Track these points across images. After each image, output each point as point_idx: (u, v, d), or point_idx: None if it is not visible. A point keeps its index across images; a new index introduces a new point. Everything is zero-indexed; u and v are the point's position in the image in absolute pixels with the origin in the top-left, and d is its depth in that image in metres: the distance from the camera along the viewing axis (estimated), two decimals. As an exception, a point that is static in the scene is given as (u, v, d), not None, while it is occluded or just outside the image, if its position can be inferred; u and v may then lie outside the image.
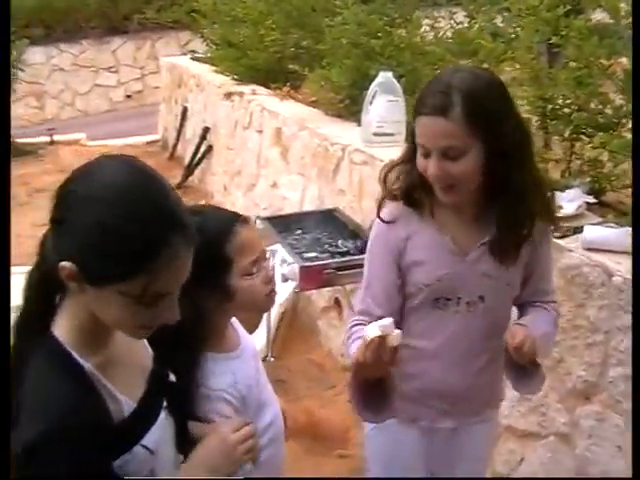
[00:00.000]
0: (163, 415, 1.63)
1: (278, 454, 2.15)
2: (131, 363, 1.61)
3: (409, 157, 2.26)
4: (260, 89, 7.39)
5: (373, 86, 4.96)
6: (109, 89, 15.03)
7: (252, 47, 7.52)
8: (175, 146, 9.84)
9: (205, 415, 1.94)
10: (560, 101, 4.09)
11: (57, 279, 1.47)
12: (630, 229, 2.82)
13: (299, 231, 4.49)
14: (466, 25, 5.68)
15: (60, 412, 1.40)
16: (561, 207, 3.31)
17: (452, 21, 5.89)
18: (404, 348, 2.34)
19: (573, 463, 3.26)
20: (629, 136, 3.29)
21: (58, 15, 14.24)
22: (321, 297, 5.30)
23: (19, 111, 13.60)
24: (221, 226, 2.01)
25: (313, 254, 4.19)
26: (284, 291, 4.47)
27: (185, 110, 9.53)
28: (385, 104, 4.88)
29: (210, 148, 8.56)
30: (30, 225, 7.48)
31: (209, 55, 9.37)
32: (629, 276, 2.83)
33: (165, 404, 1.66)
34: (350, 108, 5.82)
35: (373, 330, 1.97)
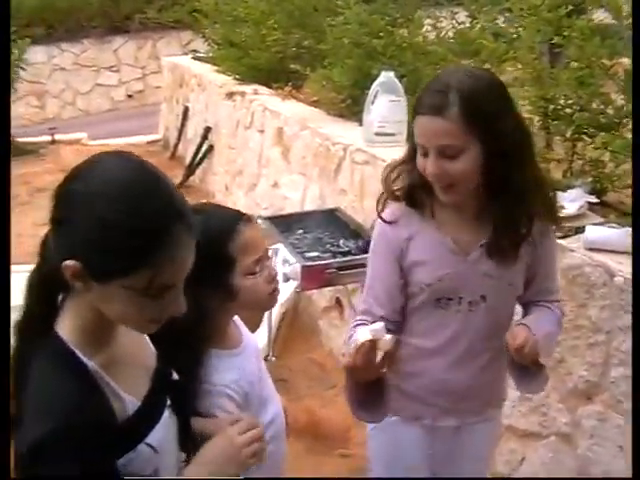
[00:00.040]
0: (167, 413, 1.63)
1: (279, 451, 2.16)
2: (134, 362, 1.61)
3: (410, 157, 2.27)
4: (262, 89, 7.40)
5: (375, 86, 4.96)
6: (110, 88, 15.02)
7: (254, 47, 7.52)
8: (176, 146, 9.84)
9: (208, 410, 1.95)
10: (562, 101, 4.09)
11: (59, 279, 1.47)
12: (631, 229, 2.82)
13: (300, 231, 4.49)
14: (468, 25, 5.69)
15: (65, 411, 1.40)
16: (563, 207, 3.31)
17: (454, 21, 5.90)
18: (406, 347, 2.38)
19: (574, 463, 3.26)
20: (631, 136, 3.29)
21: (59, 14, 14.23)
22: (322, 297, 5.31)
23: (20, 110, 13.61)
24: (224, 225, 2.01)
25: (315, 254, 4.19)
26: (285, 291, 4.47)
27: (186, 110, 9.53)
28: (387, 104, 4.88)
29: (211, 148, 8.56)
30: (31, 224, 7.51)
31: (211, 55, 9.38)
32: (631, 276, 2.83)
33: (169, 402, 1.66)
34: (352, 108, 5.82)
35: (364, 334, 1.99)
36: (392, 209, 2.36)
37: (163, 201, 1.45)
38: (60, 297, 1.54)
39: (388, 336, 2.01)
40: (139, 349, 1.66)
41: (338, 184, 5.30)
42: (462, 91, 2.10)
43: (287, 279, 4.05)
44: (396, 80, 4.95)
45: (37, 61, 13.55)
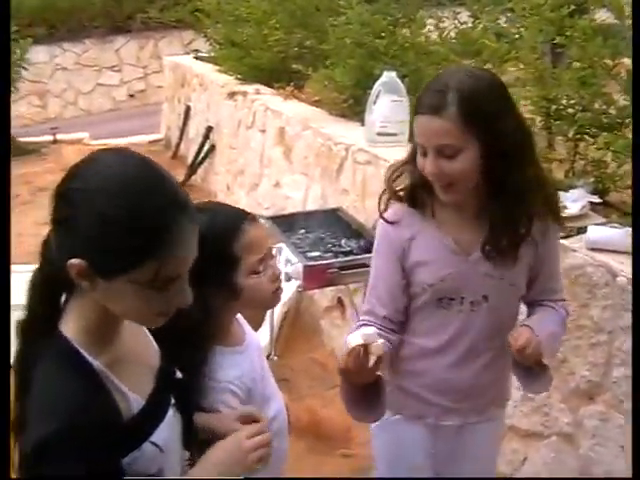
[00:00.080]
0: (171, 412, 1.63)
1: (281, 447, 2.16)
2: (139, 361, 1.62)
3: (412, 157, 2.27)
4: (264, 89, 7.40)
5: (377, 86, 4.96)
6: (112, 88, 15.03)
7: (256, 47, 7.52)
8: (178, 145, 9.85)
9: (211, 406, 1.96)
10: (564, 101, 4.09)
11: (62, 279, 1.47)
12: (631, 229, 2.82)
13: (302, 230, 4.49)
14: (470, 25, 5.69)
15: (71, 410, 1.40)
16: (565, 207, 3.31)
17: (456, 21, 5.90)
18: (409, 346, 2.39)
19: (576, 463, 3.26)
20: (633, 136, 3.30)
21: (61, 14, 14.24)
22: (324, 297, 5.31)
23: (22, 110, 13.64)
24: (229, 224, 2.01)
25: (316, 253, 4.19)
26: (288, 290, 4.47)
27: (188, 109, 9.53)
28: (389, 104, 4.88)
29: (213, 147, 8.57)
30: (32, 224, 7.51)
31: (212, 54, 9.38)
32: (633, 276, 2.84)
33: (173, 401, 1.66)
34: (354, 108, 5.82)
35: (355, 338, 2.00)
36: (394, 209, 2.36)
37: (165, 193, 1.45)
38: (63, 297, 1.54)
39: (380, 341, 2.03)
40: (143, 348, 1.66)
41: (340, 184, 5.30)
42: (461, 91, 2.11)
43: (289, 278, 4.05)
44: (398, 80, 4.95)
45: (39, 61, 13.57)
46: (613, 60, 3.83)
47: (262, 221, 4.31)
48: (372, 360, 2.03)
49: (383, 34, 5.72)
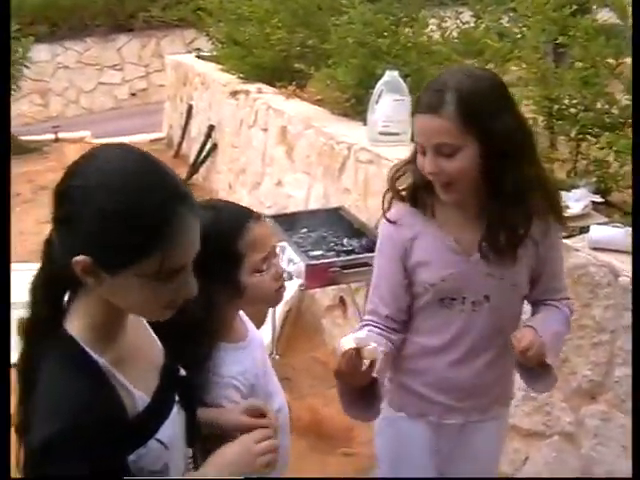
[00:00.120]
0: (175, 409, 1.64)
1: (284, 443, 2.17)
2: (143, 358, 1.62)
3: (415, 157, 2.28)
4: (266, 88, 7.40)
5: (379, 85, 4.96)
6: (114, 87, 15.05)
7: (258, 45, 7.53)
8: (180, 144, 9.85)
9: (214, 401, 1.98)
10: (566, 101, 4.09)
11: (66, 278, 1.48)
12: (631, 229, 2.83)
13: (304, 229, 4.49)
14: (472, 25, 5.69)
15: (77, 408, 1.40)
16: (567, 207, 3.31)
17: (458, 21, 5.90)
18: (412, 345, 2.41)
19: (578, 463, 3.26)
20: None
21: (63, 13, 14.25)
22: (325, 296, 5.31)
23: (24, 108, 13.66)
24: (234, 222, 2.02)
25: (318, 252, 4.20)
26: (289, 289, 4.48)
27: (190, 108, 9.54)
28: (391, 103, 4.89)
29: (215, 146, 8.57)
30: (34, 222, 7.52)
31: (214, 53, 9.39)
32: (635, 276, 2.84)
33: (177, 399, 1.66)
34: (356, 107, 5.82)
35: (348, 342, 2.01)
36: (397, 209, 2.37)
37: (166, 186, 1.46)
38: (67, 296, 1.54)
39: (373, 344, 2.04)
40: (147, 346, 1.67)
41: (342, 183, 5.31)
42: (459, 90, 2.12)
43: (291, 277, 4.05)
44: (400, 79, 4.95)
45: (41, 59, 13.59)
46: (616, 60, 3.83)
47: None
48: (366, 364, 2.04)
49: (385, 33, 5.72)
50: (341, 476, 3.95)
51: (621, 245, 3.07)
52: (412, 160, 2.30)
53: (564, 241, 3.09)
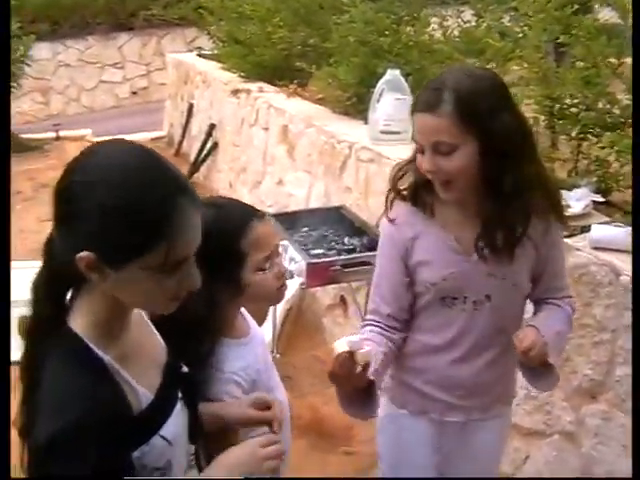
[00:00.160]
0: (179, 406, 1.64)
1: (285, 438, 2.18)
2: (146, 355, 1.62)
3: (416, 156, 2.28)
4: (267, 86, 7.40)
5: (380, 84, 4.97)
6: (115, 85, 15.02)
7: (259, 44, 7.52)
8: (181, 143, 9.85)
9: (215, 396, 2.00)
10: (568, 101, 4.09)
11: (68, 276, 1.48)
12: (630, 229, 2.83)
13: (306, 228, 4.50)
14: (474, 24, 5.69)
15: (83, 404, 1.40)
16: (568, 206, 3.32)
17: (460, 20, 5.90)
18: (414, 343, 2.42)
19: (578, 462, 3.27)
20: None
21: (64, 11, 14.22)
22: (326, 294, 5.32)
23: (24, 106, 13.63)
24: (238, 220, 2.03)
25: (319, 251, 4.20)
26: (290, 288, 4.49)
27: (191, 107, 9.53)
28: (392, 102, 4.89)
29: (216, 145, 8.57)
30: (35, 220, 7.51)
31: (216, 52, 9.38)
32: (637, 275, 2.84)
33: (180, 395, 1.67)
34: (357, 106, 5.83)
35: (341, 345, 2.02)
36: (398, 209, 2.38)
37: (166, 178, 1.47)
38: (69, 294, 1.55)
39: (366, 348, 2.05)
40: (150, 343, 1.67)
41: (343, 182, 5.31)
42: (457, 89, 2.13)
43: (292, 276, 4.06)
44: (402, 78, 4.96)
45: (42, 57, 13.55)
46: (618, 59, 3.83)
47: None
48: (359, 368, 2.05)
49: (387, 32, 5.72)
50: (341, 474, 3.96)
51: (622, 245, 3.07)
52: (414, 159, 2.30)
53: (565, 240, 3.09)
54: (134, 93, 15.12)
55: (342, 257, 4.08)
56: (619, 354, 3.04)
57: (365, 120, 5.28)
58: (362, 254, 4.06)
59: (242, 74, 8.02)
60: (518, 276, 2.33)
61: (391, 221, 2.38)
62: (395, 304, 2.38)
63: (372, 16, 5.82)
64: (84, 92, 14.76)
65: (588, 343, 3.16)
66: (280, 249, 2.22)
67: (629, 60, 3.75)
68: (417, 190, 2.33)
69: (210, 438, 1.80)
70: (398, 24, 5.87)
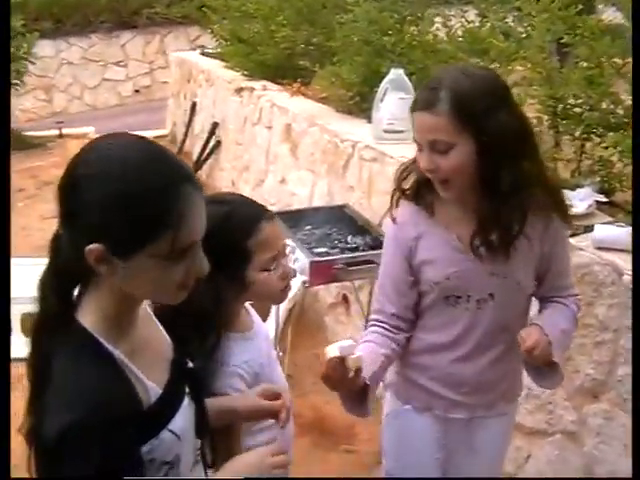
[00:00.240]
0: (186, 401, 1.65)
1: (287, 432, 2.19)
2: (153, 351, 1.63)
3: (419, 155, 2.29)
4: (270, 85, 7.40)
5: (384, 83, 4.98)
6: (118, 83, 15.04)
7: (262, 43, 7.52)
8: (184, 141, 9.85)
9: (220, 390, 2.02)
10: (571, 101, 4.09)
11: (76, 272, 1.49)
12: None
13: (309, 227, 4.50)
14: (477, 24, 5.68)
15: (95, 399, 1.41)
16: (572, 206, 3.32)
17: (463, 19, 5.89)
18: (418, 342, 2.43)
19: (580, 461, 3.27)
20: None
21: (68, 9, 14.25)
22: (328, 293, 5.32)
23: (27, 104, 13.65)
24: (247, 220, 2.06)
25: (323, 249, 4.21)
26: (293, 286, 4.49)
27: (194, 105, 9.54)
28: (396, 101, 4.90)
29: (219, 143, 8.57)
30: (38, 218, 7.52)
31: (219, 50, 9.38)
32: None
33: (187, 390, 1.68)
34: (360, 105, 5.83)
35: (333, 350, 2.04)
36: (401, 209, 2.39)
37: (169, 165, 1.48)
38: (77, 291, 1.55)
39: (358, 353, 2.08)
40: (156, 339, 1.68)
41: (346, 181, 5.31)
42: (454, 88, 2.14)
43: (295, 274, 4.06)
44: (405, 78, 4.97)
45: (45, 55, 13.56)
46: (622, 60, 3.83)
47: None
48: (351, 372, 2.07)
49: (390, 32, 5.72)
50: (343, 472, 3.97)
51: (625, 244, 3.08)
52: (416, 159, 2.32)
53: (568, 240, 3.10)
54: (137, 91, 15.14)
55: (345, 255, 4.08)
56: (621, 354, 3.04)
57: (368, 119, 5.29)
58: (365, 253, 4.07)
59: (245, 73, 8.02)
60: (521, 275, 2.34)
61: (395, 221, 2.39)
62: (400, 303, 2.39)
63: (376, 15, 5.82)
64: (87, 90, 14.77)
65: (590, 343, 3.16)
66: (287, 250, 2.23)
67: (631, 60, 3.76)
68: (419, 189, 2.35)
69: (213, 436, 1.81)
70: (402, 23, 5.87)
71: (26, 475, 1.52)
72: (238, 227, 2.02)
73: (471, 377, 2.41)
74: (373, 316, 2.46)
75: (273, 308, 4.22)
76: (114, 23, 14.80)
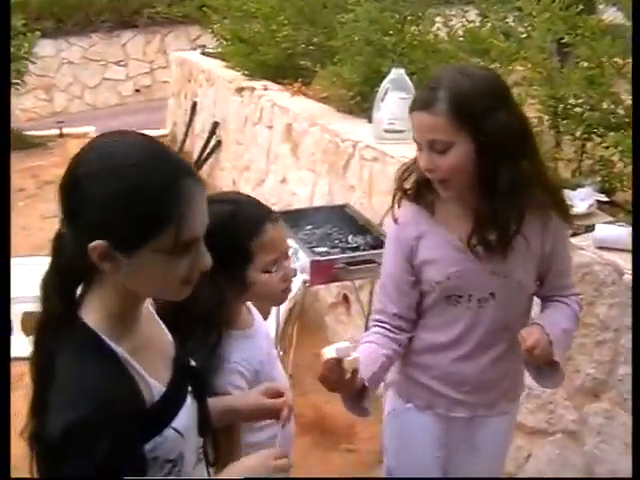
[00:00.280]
0: (189, 399, 1.66)
1: (288, 431, 2.19)
2: (156, 349, 1.64)
3: (419, 155, 2.30)
4: (271, 85, 7.40)
5: (385, 83, 4.98)
6: (118, 83, 15.05)
7: (263, 43, 7.53)
8: (184, 141, 9.85)
9: (220, 387, 2.02)
10: (572, 100, 4.10)
11: (79, 271, 1.49)
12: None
13: (310, 226, 4.51)
14: (478, 24, 5.69)
15: (99, 396, 1.41)
16: (572, 206, 3.32)
17: (464, 19, 5.89)
18: (420, 341, 2.43)
19: (581, 460, 3.27)
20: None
21: (68, 8, 14.26)
22: (329, 293, 5.33)
23: (28, 104, 13.66)
24: (251, 221, 2.06)
25: (323, 249, 4.21)
26: (294, 285, 4.49)
27: (194, 105, 9.54)
28: (397, 101, 4.90)
29: (219, 143, 8.57)
30: (38, 217, 7.53)
31: (219, 50, 9.38)
32: (640, 275, 2.85)
33: (190, 389, 1.68)
34: (361, 105, 5.84)
35: (329, 352, 2.05)
36: (402, 209, 2.40)
37: (169, 160, 1.49)
38: (80, 290, 1.55)
39: (354, 355, 2.08)
40: (159, 338, 1.69)
41: (347, 180, 5.31)
42: (452, 88, 2.15)
43: (295, 274, 4.06)
44: (406, 77, 4.97)
45: (46, 55, 13.56)
46: (623, 60, 3.84)
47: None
48: (348, 374, 2.08)
49: (391, 32, 5.73)
50: (343, 472, 3.98)
51: (626, 244, 3.08)
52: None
53: (569, 239, 3.10)
54: (137, 91, 15.14)
55: (346, 255, 4.08)
56: (622, 353, 3.04)
57: (369, 119, 5.29)
58: (366, 252, 4.07)
59: (246, 72, 8.02)
60: (521, 274, 2.34)
61: (396, 221, 2.40)
62: (401, 303, 2.40)
63: (376, 15, 5.82)
64: (87, 90, 14.78)
65: (591, 342, 3.17)
66: (290, 252, 2.24)
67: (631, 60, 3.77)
68: (419, 188, 2.35)
69: (216, 433, 1.82)
70: (402, 23, 5.88)
71: (26, 475, 1.52)
72: (242, 227, 2.03)
73: (472, 376, 2.42)
74: (375, 316, 2.46)
75: (274, 307, 4.23)
76: (115, 23, 14.81)
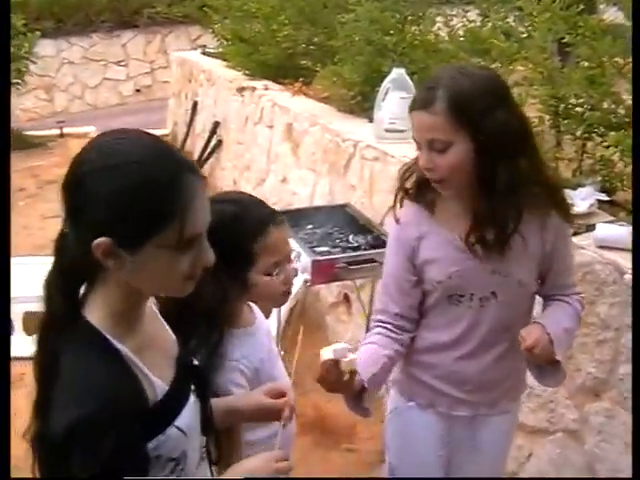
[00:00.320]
0: (192, 398, 1.66)
1: (289, 430, 2.20)
2: (159, 347, 1.64)
3: (420, 155, 2.30)
4: (271, 84, 7.41)
5: (386, 83, 4.98)
6: (118, 83, 15.06)
7: (264, 42, 7.54)
8: (185, 140, 9.86)
9: (222, 386, 2.03)
10: (573, 100, 4.10)
11: (81, 270, 1.50)
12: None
13: (310, 226, 4.51)
14: (479, 24, 5.69)
15: (103, 395, 1.42)
16: (573, 205, 3.32)
17: (465, 19, 5.90)
18: (422, 340, 2.44)
19: (582, 459, 3.27)
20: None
21: (69, 8, 14.28)
22: (329, 292, 5.33)
23: (28, 104, 13.67)
24: (255, 223, 2.07)
25: (324, 248, 4.21)
26: (295, 285, 4.49)
27: (195, 104, 9.55)
28: (397, 101, 4.90)
29: (220, 143, 8.58)
30: (39, 217, 7.53)
31: (220, 50, 9.39)
32: (641, 274, 2.85)
33: (193, 388, 1.68)
34: (362, 104, 5.84)
35: (327, 353, 2.08)
36: (405, 209, 2.40)
37: (170, 156, 1.50)
38: (83, 289, 1.56)
39: (351, 356, 2.10)
40: (161, 336, 1.69)
41: (348, 180, 5.32)
42: (450, 87, 2.16)
43: (296, 273, 4.06)
44: (407, 77, 4.97)
45: (46, 54, 13.58)
46: (623, 59, 3.84)
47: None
48: (346, 375, 2.09)
49: (392, 31, 5.74)
50: (344, 471, 3.98)
51: (626, 243, 3.08)
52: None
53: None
54: (138, 91, 15.15)
55: (347, 254, 4.08)
56: (622, 352, 3.05)
57: (370, 119, 5.30)
58: (367, 252, 4.07)
59: (247, 72, 8.03)
60: (521, 273, 2.35)
61: (398, 221, 2.40)
62: (403, 303, 2.41)
63: (377, 15, 5.82)
64: (88, 90, 14.79)
65: (592, 341, 3.17)
66: (293, 256, 2.25)
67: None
68: (420, 188, 2.36)
69: (219, 433, 1.82)
70: (403, 23, 5.88)
71: (26, 475, 1.52)
72: (246, 229, 2.04)
73: (474, 375, 2.42)
74: (377, 316, 2.47)
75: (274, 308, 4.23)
76: (115, 22, 14.83)
